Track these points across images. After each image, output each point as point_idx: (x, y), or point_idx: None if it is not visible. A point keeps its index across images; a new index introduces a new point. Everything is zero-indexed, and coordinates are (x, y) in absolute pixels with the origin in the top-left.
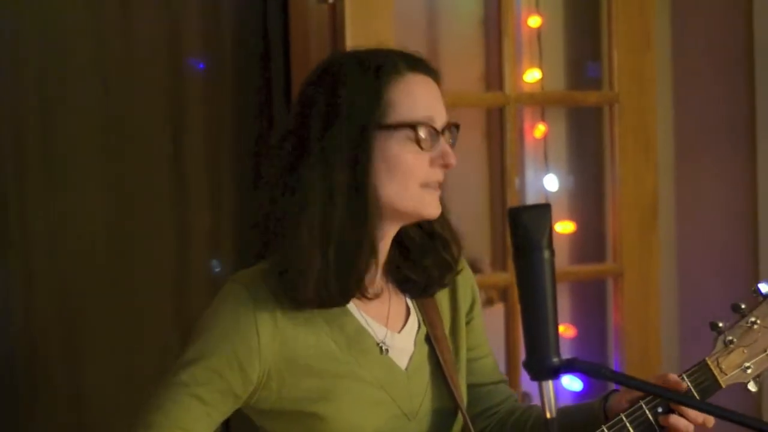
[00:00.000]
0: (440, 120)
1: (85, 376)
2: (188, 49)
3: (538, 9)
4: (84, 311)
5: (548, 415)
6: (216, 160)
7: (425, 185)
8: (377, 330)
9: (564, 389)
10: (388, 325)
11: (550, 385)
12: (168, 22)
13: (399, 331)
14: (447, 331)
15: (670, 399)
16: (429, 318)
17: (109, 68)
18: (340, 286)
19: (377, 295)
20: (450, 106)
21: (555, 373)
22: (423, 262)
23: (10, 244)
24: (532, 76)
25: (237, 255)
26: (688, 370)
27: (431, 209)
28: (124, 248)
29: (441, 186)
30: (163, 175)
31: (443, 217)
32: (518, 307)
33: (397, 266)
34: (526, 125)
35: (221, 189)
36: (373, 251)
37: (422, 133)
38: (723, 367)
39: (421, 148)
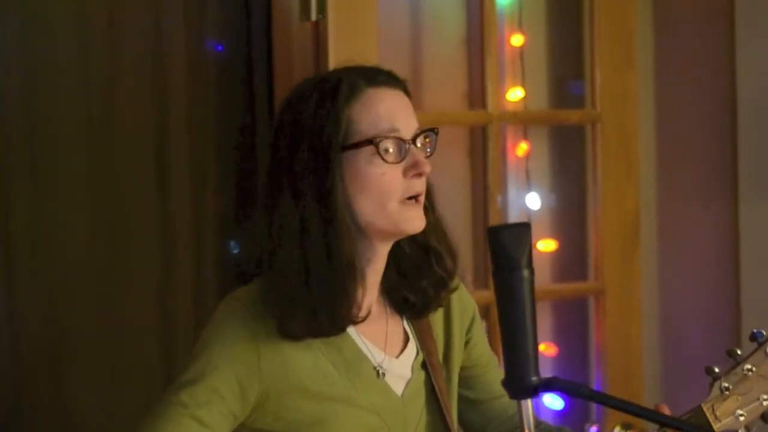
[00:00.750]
0: (408, 129)
1: (69, 383)
2: (171, 65)
3: (521, 28)
4: (68, 315)
5: None
6: (200, 180)
7: (403, 200)
8: (375, 354)
9: (545, 408)
10: (386, 349)
11: (529, 403)
12: (153, 34)
13: (397, 357)
14: (440, 357)
15: (649, 419)
16: (425, 344)
17: (93, 80)
18: (329, 318)
19: (372, 319)
20: (433, 123)
21: (534, 391)
22: (419, 281)
23: None
24: (515, 94)
25: (220, 260)
26: (683, 415)
27: (414, 223)
28: (109, 252)
29: (422, 197)
30: (147, 186)
31: (438, 228)
32: (496, 325)
33: (394, 287)
34: (509, 143)
35: (204, 215)
36: (359, 276)
37: (385, 146)
38: (718, 414)
39: (386, 161)
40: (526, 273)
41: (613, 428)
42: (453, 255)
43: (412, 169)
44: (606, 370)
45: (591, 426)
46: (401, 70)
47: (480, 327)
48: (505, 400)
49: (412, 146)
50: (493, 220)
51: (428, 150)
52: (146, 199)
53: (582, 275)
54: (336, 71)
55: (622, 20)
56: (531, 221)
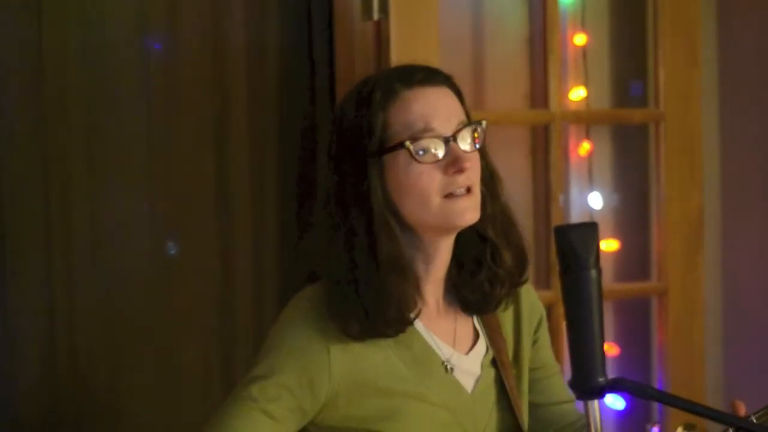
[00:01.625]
0: (447, 126)
1: (126, 384)
2: (231, 67)
3: (583, 27)
4: (126, 331)
5: None
6: (260, 182)
7: (448, 196)
8: (444, 349)
9: (607, 408)
10: (455, 345)
11: (596, 404)
12: (212, 34)
13: (467, 353)
14: (510, 355)
15: (717, 420)
16: (495, 342)
17: (154, 92)
18: (382, 318)
19: (440, 315)
20: (495, 123)
21: (601, 392)
22: (476, 276)
23: (51, 253)
24: (578, 94)
25: (280, 273)
26: (757, 412)
27: (463, 217)
28: (167, 255)
29: (474, 188)
30: (208, 194)
31: (499, 220)
32: (562, 325)
33: (455, 283)
34: (571, 143)
35: (265, 210)
36: (412, 274)
37: (419, 147)
38: None
39: (422, 162)
40: (593, 273)
41: (676, 429)
42: (516, 249)
43: (452, 167)
44: (668, 371)
45: (652, 426)
46: (462, 70)
47: (546, 331)
48: (564, 407)
49: (453, 142)
50: (556, 220)
51: (476, 145)
52: (206, 201)
53: (645, 275)
54: (375, 75)
55: (686, 18)
56: (594, 221)
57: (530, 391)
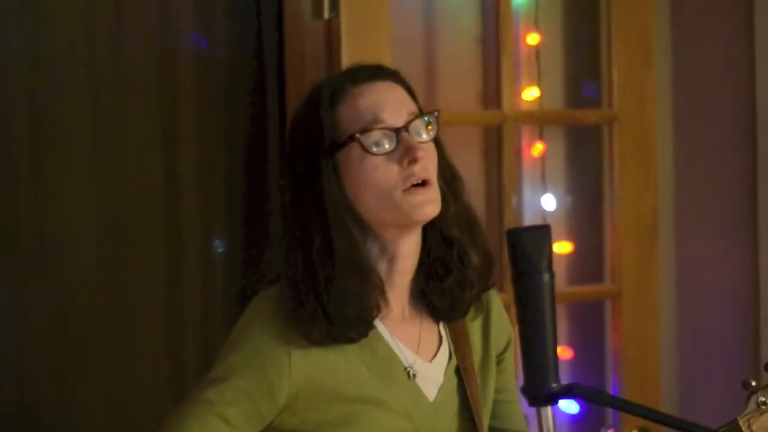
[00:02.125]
0: (397, 117)
1: (74, 384)
2: (180, 67)
3: (536, 26)
4: (74, 315)
5: None
6: (209, 183)
7: (407, 189)
8: (407, 355)
9: (561, 412)
10: (419, 352)
11: (549, 411)
12: (160, 33)
13: (430, 361)
14: (476, 364)
15: (673, 426)
16: (460, 349)
17: (100, 76)
18: (345, 323)
19: (405, 320)
20: (447, 124)
21: (554, 398)
22: (444, 280)
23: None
24: (531, 94)
25: (229, 273)
26: (718, 429)
27: (423, 210)
28: (115, 251)
29: (431, 181)
30: (155, 193)
31: (463, 220)
32: (516, 329)
33: (422, 290)
34: (524, 144)
35: (214, 210)
36: (374, 277)
37: (370, 139)
38: (754, 428)
39: (375, 154)
40: (546, 277)
41: None
42: (482, 249)
43: (406, 156)
44: (622, 374)
45: (607, 430)
46: (414, 69)
47: (512, 356)
48: None
49: (404, 133)
50: (509, 222)
51: (430, 135)
52: (153, 201)
53: (598, 278)
54: (324, 79)
55: (639, 18)
56: (547, 223)
57: (494, 414)
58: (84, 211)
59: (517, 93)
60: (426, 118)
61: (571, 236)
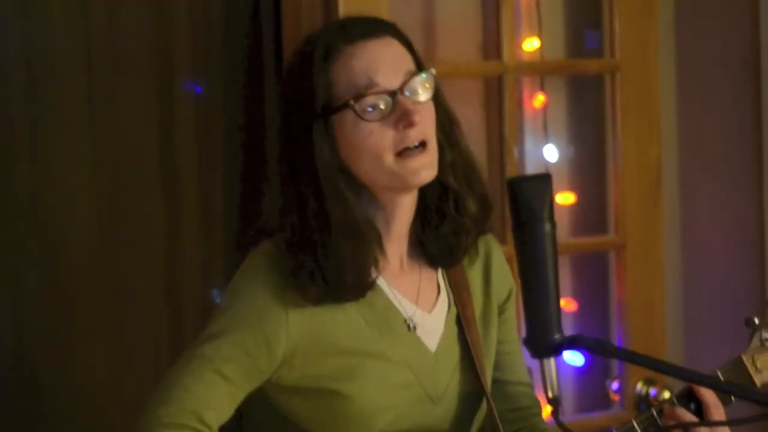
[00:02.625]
0: (392, 79)
1: (74, 383)
2: (176, 34)
3: None
4: (73, 318)
5: (550, 394)
6: (207, 151)
7: (401, 153)
8: (406, 306)
9: (566, 364)
10: (418, 303)
11: (552, 362)
12: (157, 6)
13: (429, 311)
14: (478, 313)
15: (677, 376)
16: (460, 298)
17: (96, 63)
18: (342, 282)
19: (404, 271)
20: (447, 76)
21: (557, 350)
22: (441, 229)
23: None
24: (531, 44)
25: (228, 245)
26: (722, 366)
27: (418, 176)
28: (113, 230)
29: (428, 143)
30: (152, 163)
31: (460, 167)
32: (518, 282)
33: (419, 240)
34: (525, 95)
35: (212, 159)
36: (365, 239)
37: (364, 105)
38: (758, 365)
39: (369, 120)
40: (548, 226)
41: (635, 384)
42: (479, 196)
43: (402, 121)
44: (627, 326)
45: (612, 382)
46: (413, 22)
47: (514, 306)
48: (521, 389)
49: (400, 95)
50: (510, 174)
51: (428, 92)
52: (150, 169)
53: (602, 229)
54: (316, 32)
55: None
56: (548, 172)
57: (496, 365)
58: (80, 168)
59: (518, 43)
60: (423, 76)
61: (574, 187)
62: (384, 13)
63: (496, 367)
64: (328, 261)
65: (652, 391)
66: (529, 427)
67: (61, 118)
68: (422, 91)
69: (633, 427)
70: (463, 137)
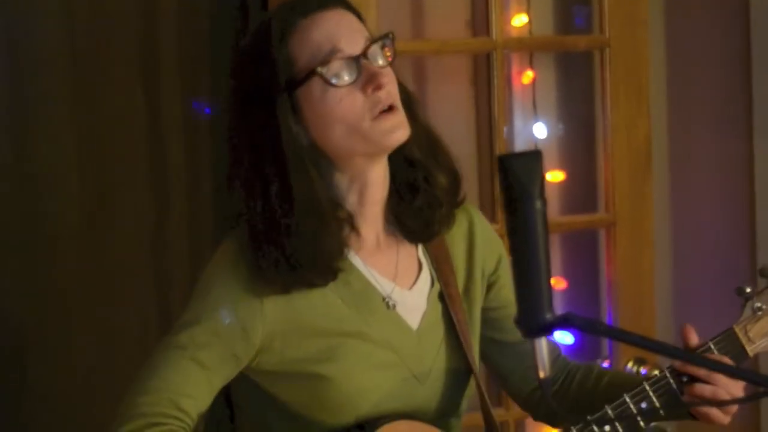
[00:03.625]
0: (354, 45)
1: (58, 361)
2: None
3: None
4: (60, 304)
5: (541, 374)
6: (193, 130)
7: (374, 116)
8: (384, 284)
9: (556, 343)
10: (396, 280)
11: (543, 342)
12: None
13: (410, 288)
14: (461, 289)
15: (669, 355)
16: (443, 274)
17: (77, 12)
18: (306, 267)
19: (380, 249)
20: (435, 52)
21: (549, 329)
22: (415, 203)
23: None
24: (520, 20)
25: (215, 226)
26: (714, 338)
27: (395, 134)
28: (101, 239)
29: (397, 105)
30: (139, 143)
31: (424, 140)
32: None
33: (396, 215)
34: (514, 71)
35: (199, 145)
36: (331, 221)
37: (331, 71)
38: (751, 335)
39: (338, 86)
40: (538, 204)
41: (626, 363)
42: (447, 168)
43: (370, 84)
44: (617, 304)
45: (602, 361)
46: None
47: (507, 267)
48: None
49: (364, 60)
50: (499, 151)
51: (388, 59)
52: (137, 162)
53: (592, 207)
54: (270, 10)
55: None
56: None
57: (500, 329)
58: (66, 153)
59: (506, 19)
60: (383, 42)
61: (563, 165)
62: None
63: (504, 331)
64: (292, 244)
65: (643, 370)
66: (572, 369)
67: (47, 113)
68: (381, 57)
69: (645, 389)
70: (423, 112)
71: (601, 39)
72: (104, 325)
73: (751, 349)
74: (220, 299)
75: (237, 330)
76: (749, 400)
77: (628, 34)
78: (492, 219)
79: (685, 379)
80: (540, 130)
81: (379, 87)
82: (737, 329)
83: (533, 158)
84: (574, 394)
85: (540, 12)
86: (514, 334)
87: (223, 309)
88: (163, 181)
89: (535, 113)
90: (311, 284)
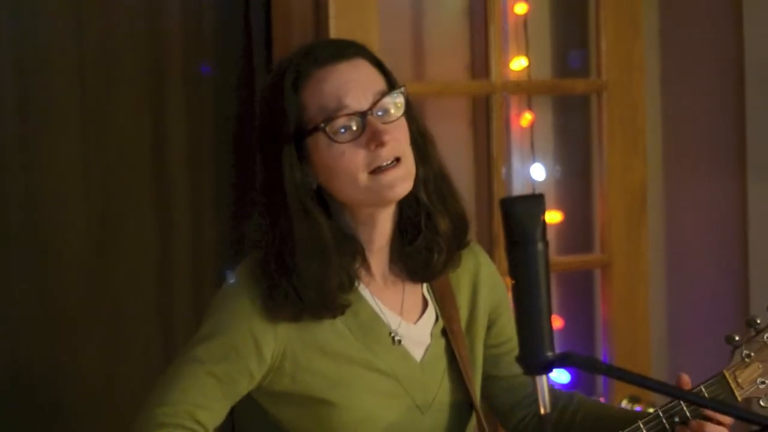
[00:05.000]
0: (361, 100)
1: (65, 380)
2: (169, 49)
3: None
4: (65, 312)
5: (542, 411)
6: (197, 154)
7: (374, 171)
8: (391, 319)
9: (551, 381)
10: (402, 315)
11: (544, 379)
12: (149, 21)
13: (415, 322)
14: (463, 325)
15: (667, 394)
16: (446, 311)
17: (87, 65)
18: (314, 306)
19: (387, 285)
20: (435, 94)
21: (549, 367)
22: (415, 243)
23: None
24: (519, 64)
25: (219, 244)
26: (705, 382)
27: (393, 190)
28: (106, 249)
29: (402, 160)
30: (144, 174)
31: (432, 184)
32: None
33: (399, 254)
34: (513, 114)
35: (202, 186)
36: (331, 258)
37: (335, 127)
38: (740, 381)
39: (340, 142)
40: (540, 246)
41: (621, 401)
42: (453, 215)
43: (372, 141)
44: (612, 343)
45: (597, 398)
46: (402, 41)
47: (509, 306)
48: (523, 379)
49: (371, 117)
50: (498, 192)
51: (399, 110)
52: (142, 173)
53: (588, 247)
54: (288, 57)
55: None
56: (540, 192)
57: (497, 365)
58: (72, 176)
59: (505, 63)
60: (393, 95)
61: (560, 206)
62: (375, 32)
63: (498, 367)
64: (298, 281)
65: (637, 408)
66: (555, 397)
67: (53, 124)
68: (393, 109)
69: (639, 427)
70: (437, 153)
71: (598, 83)
72: (108, 344)
73: (739, 394)
74: (236, 314)
75: (250, 344)
76: None
77: (625, 78)
78: (493, 260)
79: (677, 419)
80: (538, 172)
81: (381, 144)
82: (727, 374)
83: (535, 201)
84: (555, 421)
85: (539, 56)
86: (510, 369)
87: (237, 324)
88: (167, 196)
89: (533, 155)
90: (319, 317)
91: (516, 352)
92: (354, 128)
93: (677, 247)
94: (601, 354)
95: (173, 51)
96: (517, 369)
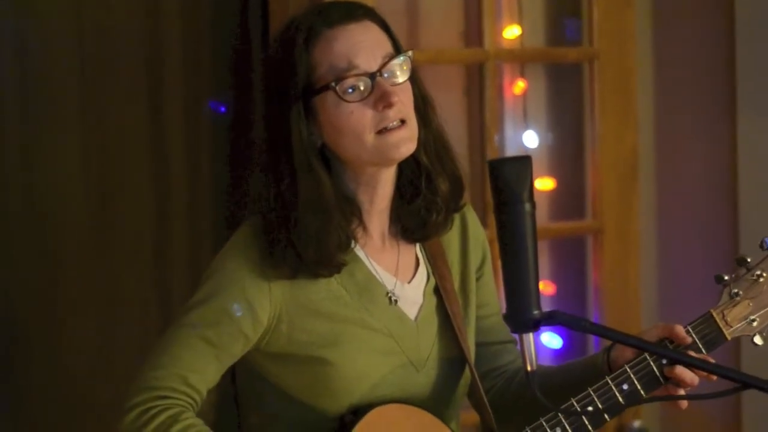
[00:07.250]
0: (371, 61)
1: (62, 347)
2: (169, 49)
3: None
4: (62, 280)
5: (528, 368)
6: (194, 124)
7: (380, 131)
8: (386, 279)
9: (543, 346)
10: (398, 275)
11: (530, 337)
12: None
13: (409, 282)
14: (456, 285)
15: (650, 351)
16: (438, 270)
17: (87, 65)
18: (312, 264)
19: (384, 246)
20: (429, 62)
21: (536, 325)
22: (414, 203)
23: None
24: (512, 32)
25: (215, 216)
26: (692, 322)
27: (398, 150)
28: (105, 239)
29: (408, 121)
30: (141, 137)
31: (432, 146)
32: (498, 262)
33: (397, 215)
34: (506, 82)
35: (199, 143)
36: (333, 216)
37: (345, 86)
38: (728, 319)
39: (350, 101)
40: (527, 206)
41: None
42: (451, 176)
43: (381, 102)
44: (604, 309)
45: None
46: (397, 9)
47: (490, 269)
48: (501, 347)
49: (380, 78)
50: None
51: (406, 74)
52: (140, 161)
53: (580, 214)
54: (298, 16)
55: None
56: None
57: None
58: (71, 159)
59: (499, 31)
60: (401, 58)
61: (553, 173)
62: None
63: (479, 332)
64: (299, 237)
65: None
66: (520, 370)
67: (53, 114)
68: (400, 72)
69: (626, 371)
70: (437, 118)
71: (590, 51)
72: (105, 327)
73: (728, 333)
74: (229, 280)
75: (245, 308)
76: (727, 393)
77: (617, 47)
78: (483, 225)
79: (665, 361)
80: (530, 139)
81: (389, 105)
82: (715, 313)
83: (523, 163)
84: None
85: (532, 24)
86: (483, 336)
87: (231, 288)
88: (164, 183)
89: (525, 122)
90: (316, 274)
91: (491, 320)
92: (362, 88)
93: (668, 214)
94: (592, 319)
95: (173, 51)
96: (497, 336)
